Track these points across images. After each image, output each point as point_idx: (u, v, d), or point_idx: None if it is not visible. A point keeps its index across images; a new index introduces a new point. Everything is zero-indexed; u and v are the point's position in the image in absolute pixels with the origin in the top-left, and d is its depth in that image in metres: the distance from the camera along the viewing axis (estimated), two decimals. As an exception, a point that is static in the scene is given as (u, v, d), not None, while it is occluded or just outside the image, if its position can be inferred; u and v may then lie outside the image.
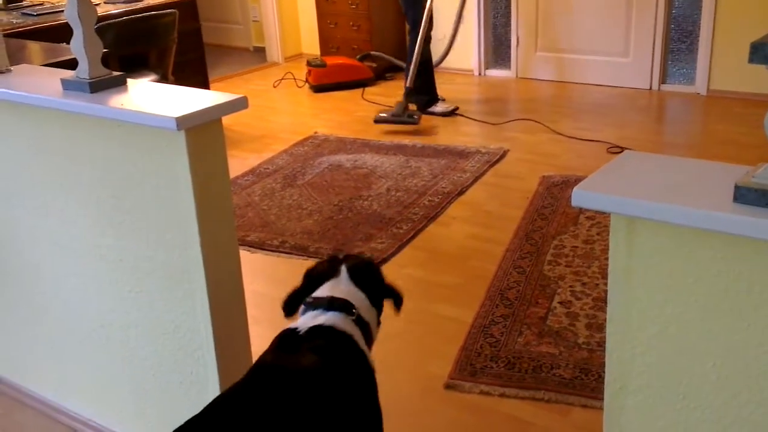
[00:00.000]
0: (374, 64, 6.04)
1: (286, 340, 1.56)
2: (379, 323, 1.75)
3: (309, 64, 6.03)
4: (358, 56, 6.03)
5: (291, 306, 1.71)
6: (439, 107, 5.23)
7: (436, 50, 5.44)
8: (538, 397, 2.34)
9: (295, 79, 6.23)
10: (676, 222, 1.16)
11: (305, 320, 1.60)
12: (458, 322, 2.76)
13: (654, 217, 1.17)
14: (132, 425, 2.18)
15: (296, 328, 1.58)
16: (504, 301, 2.87)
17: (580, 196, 1.21)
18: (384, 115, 5.00)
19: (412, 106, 5.07)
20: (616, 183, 1.23)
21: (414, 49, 5.02)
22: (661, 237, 1.20)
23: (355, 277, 1.70)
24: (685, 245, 1.18)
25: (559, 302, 2.83)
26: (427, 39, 5.09)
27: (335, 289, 1.66)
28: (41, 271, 2.19)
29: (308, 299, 1.66)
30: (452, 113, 5.18)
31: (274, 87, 6.17)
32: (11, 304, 2.36)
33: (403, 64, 5.99)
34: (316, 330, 1.56)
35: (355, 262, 1.74)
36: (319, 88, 5.93)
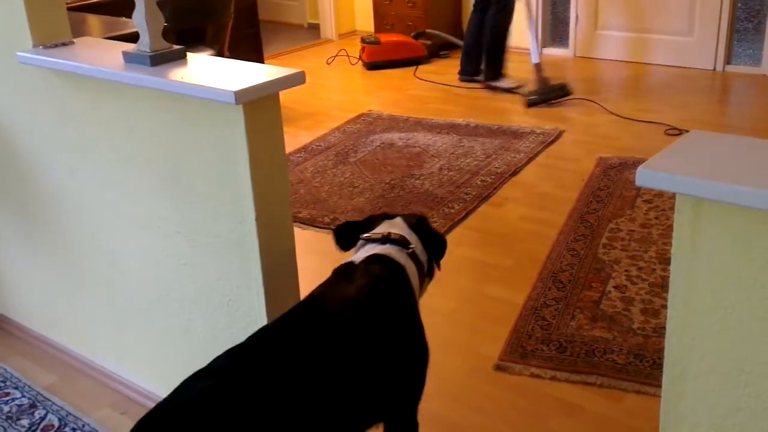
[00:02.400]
0: (428, 42, 5.99)
1: (342, 271, 1.64)
2: (430, 275, 1.79)
3: (363, 41, 6.01)
4: (412, 34, 5.99)
5: (344, 235, 1.79)
6: (504, 83, 5.16)
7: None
8: (590, 382, 2.31)
9: (348, 56, 6.22)
10: (743, 204, 1.11)
11: (360, 254, 1.68)
12: (510, 303, 2.73)
13: (721, 198, 1.13)
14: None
15: (352, 261, 1.66)
16: (557, 284, 2.83)
17: (645, 176, 1.18)
18: (534, 97, 4.83)
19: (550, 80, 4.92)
20: (682, 163, 1.19)
21: (499, 21, 5.05)
22: (728, 219, 1.16)
23: (409, 223, 1.78)
24: (752, 228, 1.14)
25: (613, 286, 2.78)
26: (509, 20, 5.11)
27: (392, 227, 1.74)
28: (102, 243, 2.24)
29: (364, 236, 1.73)
30: (515, 90, 5.09)
31: (328, 64, 6.17)
32: (73, 274, 2.42)
33: (461, 42, 5.93)
34: (372, 258, 1.64)
35: (408, 214, 1.84)
36: (372, 66, 5.91)
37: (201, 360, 1.93)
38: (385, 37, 6.01)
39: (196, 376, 1.40)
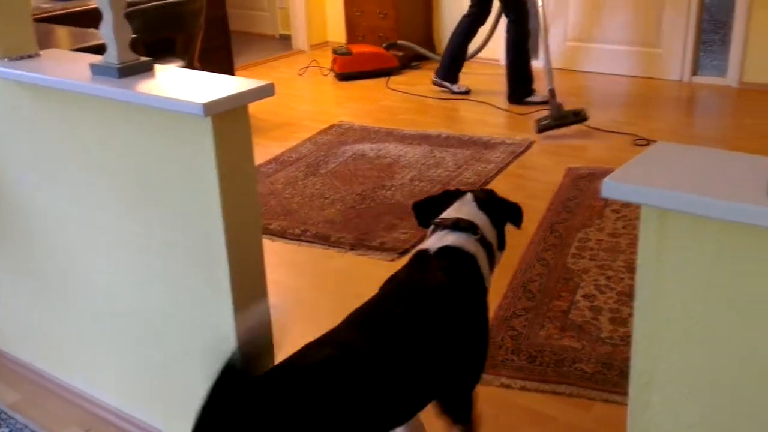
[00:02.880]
0: (400, 53, 6.01)
1: (418, 259, 1.80)
2: (502, 248, 1.93)
3: (335, 52, 6.02)
4: (384, 45, 6.01)
5: (422, 212, 1.95)
6: (536, 97, 5.08)
7: (475, 41, 5.42)
8: (559, 391, 2.32)
9: (320, 67, 6.22)
10: (708, 215, 1.13)
11: (433, 241, 1.82)
12: (481, 313, 2.74)
13: (686, 209, 1.15)
14: (156, 414, 2.19)
15: (427, 249, 1.80)
16: (527, 294, 2.85)
17: (611, 187, 1.19)
18: (547, 122, 4.56)
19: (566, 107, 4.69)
20: (648, 174, 1.21)
21: (515, 33, 5.01)
22: (693, 230, 1.18)
23: (479, 200, 1.90)
24: (717, 239, 1.16)
25: (582, 296, 2.80)
26: (527, 32, 5.04)
27: (461, 210, 1.88)
28: (70, 257, 2.21)
29: (436, 220, 1.87)
30: (546, 102, 4.89)
31: (300, 75, 6.17)
32: (41, 290, 2.38)
33: (432, 54, 5.96)
34: (444, 250, 1.78)
35: (478, 190, 1.98)
36: (344, 77, 5.92)
37: (172, 376, 1.91)
38: (357, 48, 6.03)
39: (318, 343, 1.57)
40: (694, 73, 5.37)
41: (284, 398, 1.45)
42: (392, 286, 1.76)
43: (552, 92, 4.62)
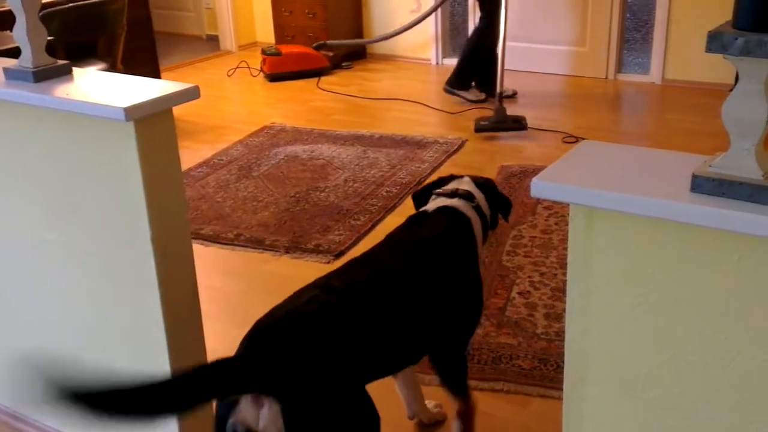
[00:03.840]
0: (330, 54, 5.98)
1: (415, 218, 1.94)
2: (494, 226, 2.05)
3: (264, 52, 5.95)
4: (314, 45, 5.97)
5: (422, 198, 2.06)
6: (470, 94, 5.12)
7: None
8: (497, 389, 2.34)
9: (249, 68, 6.14)
10: (633, 212, 1.15)
11: (431, 206, 1.96)
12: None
13: (612, 207, 1.16)
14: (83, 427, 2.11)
15: (425, 210, 1.95)
16: (463, 292, 2.86)
17: (539, 187, 1.20)
18: (485, 123, 4.56)
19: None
20: (575, 173, 1.22)
21: (477, 35, 5.03)
22: (619, 227, 1.19)
23: (476, 182, 2.05)
24: (643, 235, 1.18)
25: (518, 293, 2.83)
26: (494, 33, 4.81)
27: (460, 184, 2.03)
28: (-15, 268, 2.11)
29: (436, 191, 2.02)
30: (477, 102, 5.06)
31: (228, 76, 6.07)
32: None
33: (364, 41, 5.84)
34: (441, 209, 1.92)
35: (477, 176, 2.11)
36: (274, 77, 5.86)
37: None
38: (286, 49, 5.97)
39: (313, 286, 1.61)
40: (619, 70, 5.51)
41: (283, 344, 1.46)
42: (387, 239, 1.85)
43: (500, 95, 4.60)
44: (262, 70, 5.99)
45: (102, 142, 1.68)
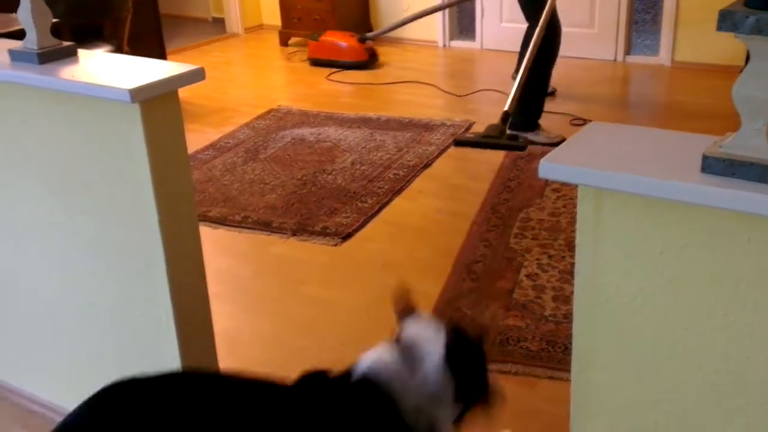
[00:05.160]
0: (370, 45, 5.72)
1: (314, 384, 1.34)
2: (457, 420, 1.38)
3: (310, 37, 5.82)
4: (359, 36, 5.68)
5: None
6: (540, 137, 4.10)
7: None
8: (505, 370, 2.34)
9: (297, 51, 6.09)
10: (643, 193, 1.14)
11: (365, 362, 1.36)
12: (425, 296, 2.74)
13: (621, 188, 1.15)
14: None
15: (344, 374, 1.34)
16: (471, 275, 2.86)
17: (547, 168, 1.19)
18: (470, 136, 4.09)
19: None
20: (583, 154, 1.21)
21: (541, 49, 3.99)
22: (629, 208, 1.18)
23: (449, 344, 1.34)
24: (653, 216, 1.17)
25: (525, 275, 2.83)
26: (552, 52, 4.06)
27: (417, 337, 1.34)
28: (-7, 251, 2.12)
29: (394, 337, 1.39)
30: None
31: (288, 60, 5.94)
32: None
33: (398, 24, 5.55)
34: (362, 384, 1.31)
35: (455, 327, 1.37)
36: (315, 62, 5.73)
37: (108, 371, 1.85)
38: (330, 36, 5.75)
39: None
40: (627, 52, 5.46)
41: None
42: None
43: (505, 114, 3.99)
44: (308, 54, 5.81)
45: (108, 124, 1.68)
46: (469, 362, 1.33)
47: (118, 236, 1.79)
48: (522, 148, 3.92)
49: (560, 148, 1.23)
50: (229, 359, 2.14)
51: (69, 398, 2.15)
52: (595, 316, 1.28)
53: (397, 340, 1.32)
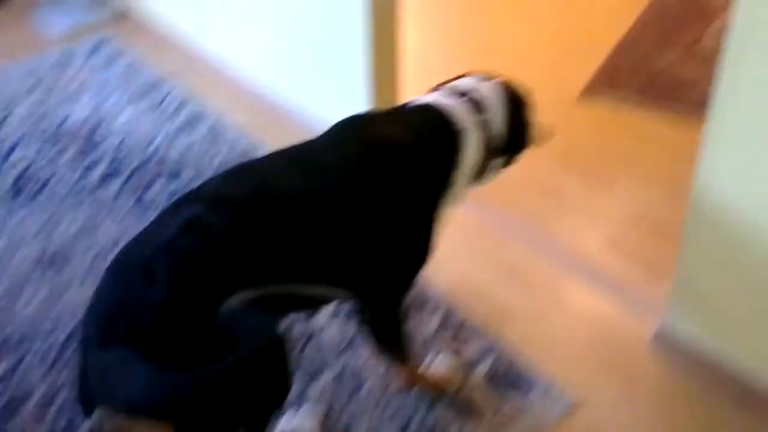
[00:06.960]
0: None
1: (387, 111, 1.43)
2: (506, 163, 1.45)
3: None
4: None
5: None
6: None
7: None
8: (674, 110, 2.36)
9: None
10: None
11: (423, 98, 1.42)
12: (607, 36, 2.75)
13: None
14: (271, 72, 2.37)
15: (405, 104, 1.44)
16: (657, 21, 2.80)
17: None
18: None
19: None
20: None
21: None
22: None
23: (507, 92, 1.43)
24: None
25: (715, 30, 2.74)
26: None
27: (479, 86, 1.41)
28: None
29: (443, 83, 1.47)
30: None
31: None
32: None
33: None
34: (425, 108, 1.38)
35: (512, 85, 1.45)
36: None
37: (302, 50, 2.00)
38: None
39: (198, 196, 1.16)
40: None
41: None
42: (334, 128, 1.32)
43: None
44: None
45: None
46: (521, 115, 1.42)
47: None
48: None
49: None
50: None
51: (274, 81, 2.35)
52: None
53: (451, 90, 1.39)
